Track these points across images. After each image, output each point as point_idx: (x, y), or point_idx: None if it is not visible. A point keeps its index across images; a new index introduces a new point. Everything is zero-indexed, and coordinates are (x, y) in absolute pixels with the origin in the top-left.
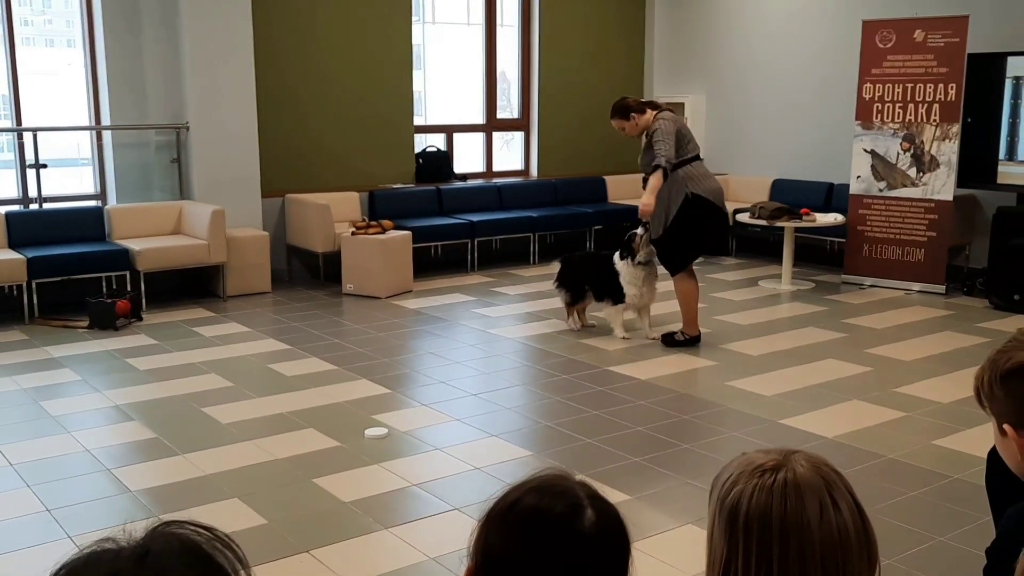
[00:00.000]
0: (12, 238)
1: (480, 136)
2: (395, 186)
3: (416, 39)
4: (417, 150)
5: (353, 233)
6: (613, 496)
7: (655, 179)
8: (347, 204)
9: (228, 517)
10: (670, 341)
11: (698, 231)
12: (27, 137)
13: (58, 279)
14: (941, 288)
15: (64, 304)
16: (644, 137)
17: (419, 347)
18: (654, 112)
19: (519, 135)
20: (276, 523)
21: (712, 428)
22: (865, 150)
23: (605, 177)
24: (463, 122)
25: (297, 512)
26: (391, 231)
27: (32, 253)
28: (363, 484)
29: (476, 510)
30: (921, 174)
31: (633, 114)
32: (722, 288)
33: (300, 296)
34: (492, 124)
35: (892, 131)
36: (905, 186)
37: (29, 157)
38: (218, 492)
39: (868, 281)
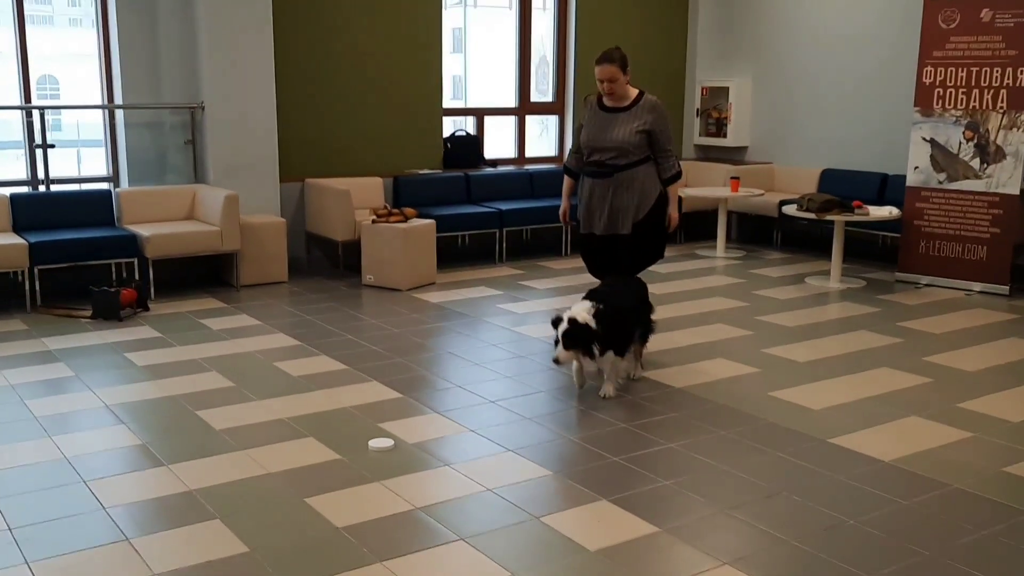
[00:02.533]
0: (17, 222)
1: (512, 120)
2: (421, 171)
3: (458, 22)
4: (446, 134)
5: (374, 221)
6: (640, 528)
7: (677, 188)
8: (370, 190)
9: (206, 543)
10: None
11: (665, 231)
12: (55, 121)
13: (63, 266)
14: (1005, 289)
15: (71, 292)
16: (643, 114)
17: (438, 346)
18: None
19: (553, 119)
20: (258, 551)
21: (754, 447)
22: (924, 139)
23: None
24: (497, 105)
25: (283, 538)
26: (414, 220)
27: (35, 238)
28: (361, 506)
29: (485, 540)
30: (985, 165)
31: (628, 71)
32: (766, 285)
33: (317, 287)
34: (525, 108)
35: (954, 119)
36: (967, 178)
37: (59, 138)
38: (200, 512)
39: (924, 280)
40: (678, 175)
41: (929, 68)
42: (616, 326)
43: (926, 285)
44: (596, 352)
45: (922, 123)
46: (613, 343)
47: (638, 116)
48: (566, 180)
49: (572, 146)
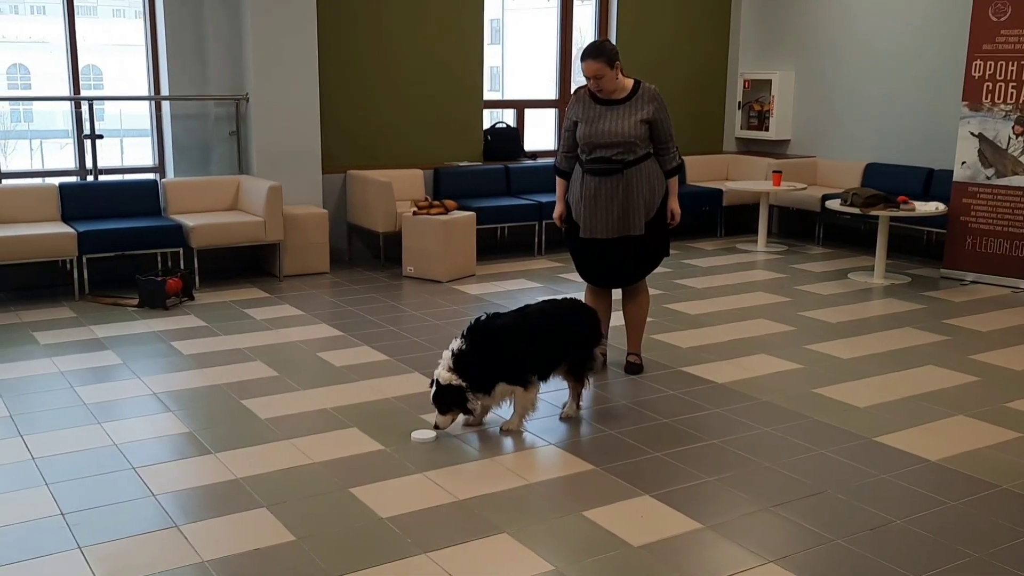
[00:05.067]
0: (66, 211)
1: (552, 112)
2: (461, 164)
3: (495, 14)
4: (486, 126)
5: (415, 213)
6: (681, 524)
7: (676, 183)
8: (411, 182)
9: (253, 531)
10: (636, 369)
11: (668, 228)
12: (103, 110)
13: (110, 255)
14: None
15: (118, 280)
16: (644, 104)
17: None
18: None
19: None
20: (304, 540)
21: (798, 444)
22: (972, 133)
23: (683, 158)
24: (535, 97)
25: (328, 528)
26: (454, 212)
27: (84, 227)
28: (404, 497)
29: (527, 534)
30: None
31: (618, 64)
32: (808, 280)
33: (358, 278)
34: (565, 100)
35: (1003, 113)
36: (1016, 174)
37: (101, 127)
38: (247, 500)
39: (970, 276)
40: (680, 167)
41: (978, 62)
42: (495, 354)
43: (972, 282)
44: (474, 402)
45: (970, 117)
46: (503, 374)
47: (639, 106)
48: (559, 182)
49: (561, 146)
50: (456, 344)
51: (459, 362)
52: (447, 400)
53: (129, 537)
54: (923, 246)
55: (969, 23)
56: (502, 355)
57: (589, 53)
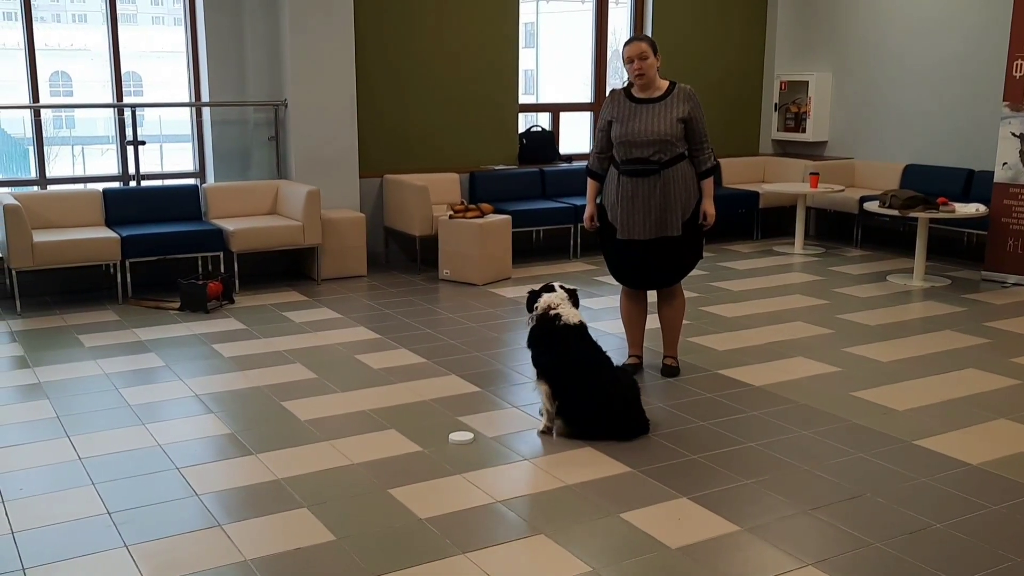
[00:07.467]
0: (109, 216)
1: (587, 115)
2: (497, 167)
3: (530, 17)
4: (522, 130)
5: (451, 216)
6: (719, 527)
7: (711, 184)
8: (447, 185)
9: (295, 530)
10: (672, 371)
11: (702, 229)
12: (144, 116)
13: (152, 259)
14: None
15: (161, 284)
16: (680, 102)
17: (514, 340)
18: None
19: None
20: (345, 540)
21: (836, 447)
22: (1013, 134)
23: (719, 159)
24: (570, 100)
25: (368, 528)
26: (490, 215)
27: (127, 232)
28: (442, 498)
29: (565, 535)
30: None
31: (659, 55)
32: (846, 283)
33: (395, 281)
34: (600, 103)
35: None
36: None
37: (141, 133)
38: (288, 500)
39: (1011, 279)
40: (715, 168)
41: (1019, 61)
42: (553, 344)
43: (1014, 284)
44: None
45: (1011, 118)
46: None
47: (675, 105)
48: (590, 183)
49: (594, 146)
50: (572, 319)
51: (549, 317)
52: (535, 294)
53: (173, 536)
54: (963, 248)
55: (1010, 22)
56: (549, 353)
57: (634, 37)
